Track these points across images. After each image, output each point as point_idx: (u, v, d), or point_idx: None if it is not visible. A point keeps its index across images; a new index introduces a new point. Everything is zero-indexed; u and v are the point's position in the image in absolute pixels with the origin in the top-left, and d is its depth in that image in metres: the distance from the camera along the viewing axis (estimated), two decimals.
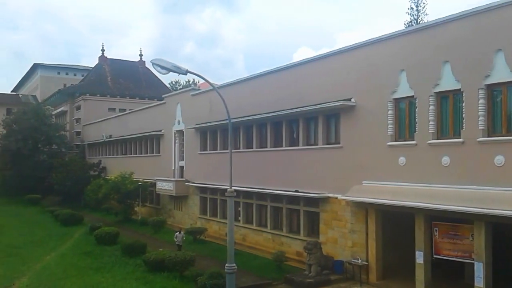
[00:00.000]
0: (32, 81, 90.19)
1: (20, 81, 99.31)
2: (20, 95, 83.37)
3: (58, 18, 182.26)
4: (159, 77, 66.08)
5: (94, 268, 19.93)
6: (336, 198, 18.89)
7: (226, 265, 13.67)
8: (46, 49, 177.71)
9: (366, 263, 17.58)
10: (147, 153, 39.09)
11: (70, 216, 33.75)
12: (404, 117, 16.81)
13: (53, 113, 63.08)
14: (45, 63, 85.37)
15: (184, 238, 23.67)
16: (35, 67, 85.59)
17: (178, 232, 23.54)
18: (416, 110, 16.12)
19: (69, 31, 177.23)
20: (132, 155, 42.19)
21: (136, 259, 20.85)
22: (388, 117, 17.05)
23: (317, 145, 20.67)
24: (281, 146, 22.82)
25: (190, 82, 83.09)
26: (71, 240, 27.06)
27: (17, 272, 19.26)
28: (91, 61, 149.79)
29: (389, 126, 17.04)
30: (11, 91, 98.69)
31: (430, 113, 15.63)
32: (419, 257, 15.61)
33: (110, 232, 25.78)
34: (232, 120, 15.28)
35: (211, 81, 15.80)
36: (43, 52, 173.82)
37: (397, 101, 16.95)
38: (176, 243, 22.92)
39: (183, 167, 32.89)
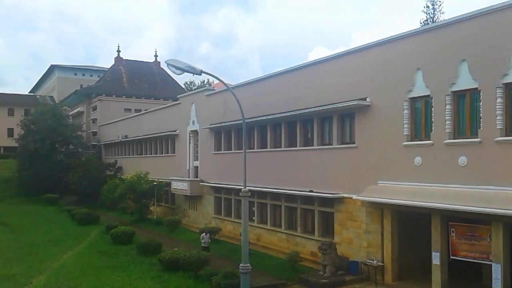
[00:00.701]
0: (49, 82, 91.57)
1: (37, 82, 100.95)
2: (37, 96, 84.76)
3: (75, 19, 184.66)
4: (174, 77, 66.58)
5: (110, 267, 20.12)
6: (351, 198, 18.78)
7: (241, 265, 13.70)
8: (63, 50, 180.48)
9: (382, 263, 17.44)
10: (162, 153, 39.36)
11: (86, 216, 34.13)
12: (420, 116, 16.63)
13: (70, 113, 63.92)
14: (62, 64, 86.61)
15: (210, 240, 22.83)
16: (52, 68, 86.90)
17: (204, 233, 22.63)
18: (432, 109, 15.93)
19: (86, 33, 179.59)
20: (148, 155, 42.52)
21: (152, 258, 20.99)
22: (404, 117, 16.88)
23: (332, 145, 20.57)
24: (296, 146, 22.76)
25: (205, 83, 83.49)
26: (88, 239, 27.35)
27: (35, 270, 19.54)
28: (107, 62, 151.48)
29: (404, 126, 16.87)
30: (29, 92, 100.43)
31: (446, 113, 15.43)
32: (436, 258, 15.44)
33: (126, 231, 25.99)
34: (247, 120, 15.28)
35: (226, 81, 15.85)
36: (60, 53, 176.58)
37: (413, 100, 16.77)
38: (202, 244, 22.14)
39: (197, 167, 33.04)
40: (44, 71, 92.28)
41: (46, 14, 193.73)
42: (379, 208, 17.69)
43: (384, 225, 17.57)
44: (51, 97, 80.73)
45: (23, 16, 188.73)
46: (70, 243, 25.96)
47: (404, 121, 16.87)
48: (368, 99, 18.42)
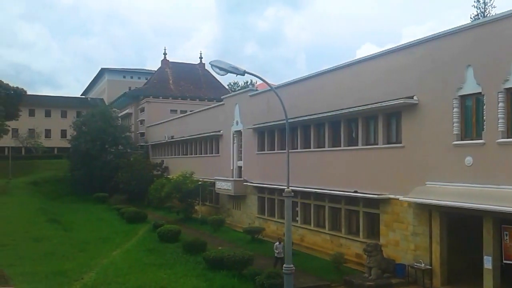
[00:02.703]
0: (100, 85, 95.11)
1: (89, 85, 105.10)
2: (88, 99, 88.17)
3: (126, 23, 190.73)
4: (218, 79, 67.42)
5: (157, 265, 20.56)
6: (398, 199, 18.33)
7: (284, 265, 13.67)
8: (114, 53, 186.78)
9: (430, 267, 16.93)
10: (206, 153, 39.93)
11: (134, 214, 35.07)
12: (471, 115, 15.99)
13: (119, 115, 65.94)
14: (112, 67, 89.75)
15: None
16: (102, 71, 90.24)
17: (277, 243, 19.56)
18: (484, 107, 15.29)
19: (136, 35, 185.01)
20: (193, 155, 43.25)
21: (197, 256, 21.29)
22: (454, 115, 16.28)
23: (377, 144, 20.15)
24: (340, 146, 22.46)
25: (248, 83, 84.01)
26: (136, 237, 28.06)
27: (85, 266, 20.23)
28: (156, 64, 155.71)
29: (454, 125, 16.27)
30: (81, 95, 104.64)
31: (499, 110, 14.75)
32: (487, 262, 14.81)
33: (172, 230, 26.49)
34: (290, 120, 15.21)
35: (271, 81, 15.89)
36: (111, 56, 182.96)
37: (463, 98, 16.14)
38: (276, 255, 19.41)
39: (241, 167, 33.25)
40: (95, 74, 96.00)
41: (99, 18, 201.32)
42: (427, 210, 17.16)
43: (432, 227, 17.03)
44: (101, 99, 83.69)
45: (77, 20, 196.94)
46: (119, 241, 26.73)
47: (454, 120, 16.27)
48: (415, 97, 17.90)
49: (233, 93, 40.27)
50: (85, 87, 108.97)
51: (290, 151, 14.59)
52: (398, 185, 18.51)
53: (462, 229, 16.90)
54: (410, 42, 18.62)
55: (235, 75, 13.79)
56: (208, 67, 60.27)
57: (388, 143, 19.71)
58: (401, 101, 18.08)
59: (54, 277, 18.33)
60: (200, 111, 43.56)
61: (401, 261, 18.11)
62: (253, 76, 17.34)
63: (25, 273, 18.79)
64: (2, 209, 36.74)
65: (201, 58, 70.56)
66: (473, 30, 15.89)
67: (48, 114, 75.47)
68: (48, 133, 74.31)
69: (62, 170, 57.72)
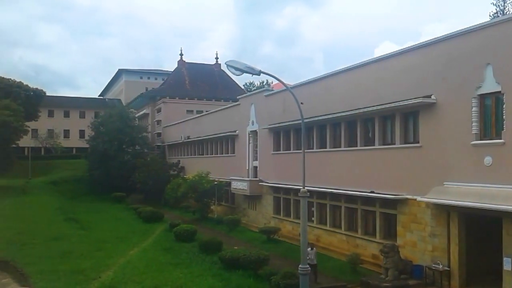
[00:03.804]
0: (117, 85, 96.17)
1: (106, 86, 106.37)
2: (106, 99, 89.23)
3: (143, 23, 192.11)
4: (234, 79, 67.68)
5: (174, 264, 20.70)
6: (415, 199, 18.11)
7: (300, 266, 13.60)
8: (131, 53, 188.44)
9: (448, 268, 16.69)
10: (222, 153, 40.03)
11: (151, 214, 35.36)
12: (490, 114, 15.71)
13: (136, 115, 66.53)
14: (129, 68, 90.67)
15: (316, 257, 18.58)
16: (120, 72, 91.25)
17: (309, 248, 17.61)
18: (504, 106, 15.00)
19: (153, 36, 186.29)
20: (209, 155, 43.41)
21: (212, 256, 21.37)
22: (472, 115, 16.01)
23: (395, 144, 19.94)
24: (356, 146, 22.30)
25: (264, 83, 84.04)
26: (152, 236, 28.29)
27: (103, 265, 20.45)
28: (173, 64, 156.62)
29: (473, 124, 16.00)
30: (99, 95, 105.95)
31: None
32: (507, 264, 14.54)
33: (188, 229, 26.65)
34: (305, 120, 15.15)
35: (288, 81, 15.84)
36: (129, 57, 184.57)
37: (482, 97, 15.87)
38: (308, 261, 15.67)
39: (257, 167, 33.25)
40: (113, 75, 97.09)
41: (116, 19, 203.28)
42: (445, 211, 16.93)
43: (450, 228, 16.79)
44: (119, 100, 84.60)
45: (95, 21, 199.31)
46: (136, 240, 26.96)
47: (473, 119, 16.00)
48: (433, 97, 17.66)
49: (248, 93, 40.28)
50: (103, 88, 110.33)
51: (306, 151, 14.53)
52: (416, 186, 18.30)
53: (481, 230, 16.65)
54: (428, 40, 18.38)
55: (251, 75, 13.78)
56: (224, 67, 60.62)
57: (405, 143, 19.50)
58: (419, 100, 17.86)
59: (72, 276, 18.57)
60: (216, 111, 43.69)
61: (419, 262, 17.90)
62: (269, 76, 17.34)
63: (44, 271, 19.08)
64: (22, 209, 37.40)
65: (217, 58, 70.86)
66: (492, 28, 15.61)
67: (66, 115, 76.65)
68: (66, 134, 75.50)
69: (81, 170, 58.52)
